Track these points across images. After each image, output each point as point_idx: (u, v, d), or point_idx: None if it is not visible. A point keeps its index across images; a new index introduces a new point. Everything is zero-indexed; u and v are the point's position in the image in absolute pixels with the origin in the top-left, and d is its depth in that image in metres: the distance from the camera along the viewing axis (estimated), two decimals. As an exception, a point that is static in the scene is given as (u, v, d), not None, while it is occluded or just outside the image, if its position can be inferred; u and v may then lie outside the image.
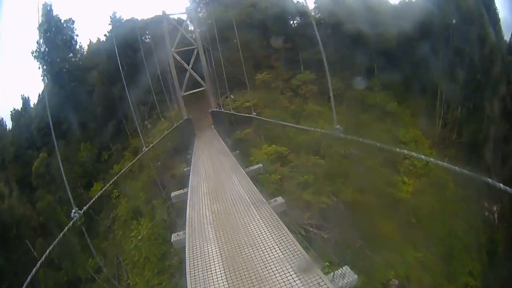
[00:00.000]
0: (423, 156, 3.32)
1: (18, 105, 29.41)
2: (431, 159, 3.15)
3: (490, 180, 2.29)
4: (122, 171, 6.98)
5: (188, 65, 21.39)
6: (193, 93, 21.57)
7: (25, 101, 30.46)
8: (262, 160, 12.88)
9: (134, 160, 9.18)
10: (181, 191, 9.92)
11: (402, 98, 21.46)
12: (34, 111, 29.76)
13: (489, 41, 18.18)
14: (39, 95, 29.61)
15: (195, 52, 21.13)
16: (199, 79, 21.50)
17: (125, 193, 18.86)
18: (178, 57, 20.90)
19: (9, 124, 29.41)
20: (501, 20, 19.25)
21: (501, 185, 2.23)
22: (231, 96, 19.77)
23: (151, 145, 9.79)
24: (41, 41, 27.75)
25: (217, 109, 19.74)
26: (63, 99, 27.47)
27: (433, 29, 20.13)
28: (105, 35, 27.60)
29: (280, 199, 7.16)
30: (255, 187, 8.10)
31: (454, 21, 20.35)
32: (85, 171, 25.23)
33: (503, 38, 19.91)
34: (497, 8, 19.32)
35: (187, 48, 21.26)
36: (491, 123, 17.60)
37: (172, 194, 10.04)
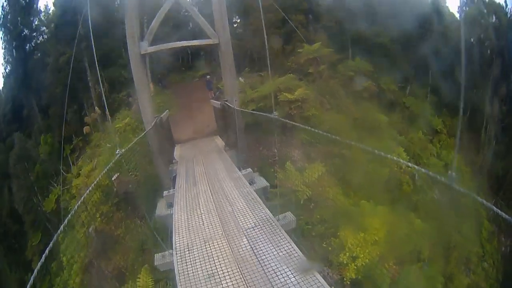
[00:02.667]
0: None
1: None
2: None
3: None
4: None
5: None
6: (181, 51, 12.90)
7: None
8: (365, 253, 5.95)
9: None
10: None
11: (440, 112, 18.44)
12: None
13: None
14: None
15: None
16: (198, 16, 9.36)
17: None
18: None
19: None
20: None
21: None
22: (241, 79, 12.02)
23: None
24: (5, 3, 21.16)
25: (227, 103, 8.88)
26: (22, 76, 21.13)
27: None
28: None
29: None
30: None
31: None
32: (45, 172, 19.00)
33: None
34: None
35: None
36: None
37: None
